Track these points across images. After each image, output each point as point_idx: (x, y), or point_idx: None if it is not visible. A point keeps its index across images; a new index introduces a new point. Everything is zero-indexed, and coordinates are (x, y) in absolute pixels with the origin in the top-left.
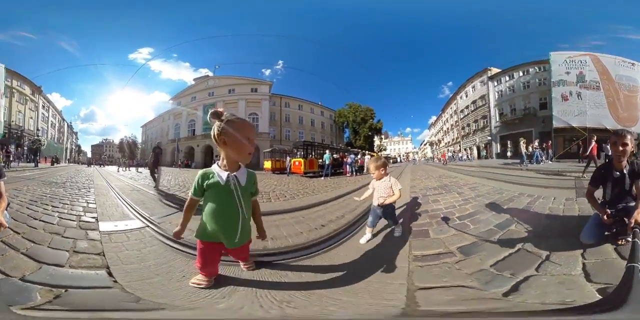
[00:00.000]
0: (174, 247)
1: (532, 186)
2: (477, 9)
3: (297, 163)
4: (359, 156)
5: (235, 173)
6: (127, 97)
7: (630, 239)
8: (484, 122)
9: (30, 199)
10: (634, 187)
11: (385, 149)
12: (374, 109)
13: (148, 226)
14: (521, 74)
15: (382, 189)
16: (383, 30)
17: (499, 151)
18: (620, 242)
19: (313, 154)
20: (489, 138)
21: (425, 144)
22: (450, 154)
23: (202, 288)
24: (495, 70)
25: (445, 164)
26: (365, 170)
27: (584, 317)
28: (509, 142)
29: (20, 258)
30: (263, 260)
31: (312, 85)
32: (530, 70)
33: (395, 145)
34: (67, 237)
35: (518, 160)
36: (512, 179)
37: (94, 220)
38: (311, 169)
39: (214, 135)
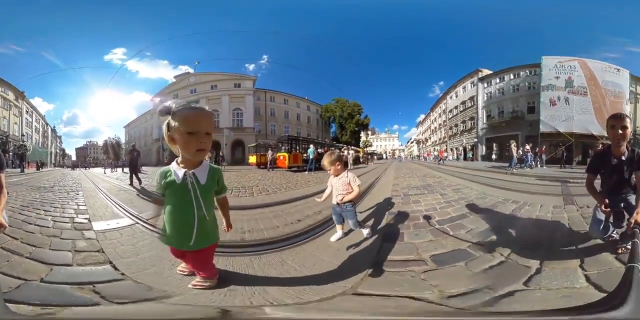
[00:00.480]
0: None
1: (519, 191)
2: (474, 8)
3: (281, 157)
4: (344, 152)
5: (193, 170)
6: (108, 99)
7: (626, 248)
8: (471, 124)
9: (22, 204)
10: (633, 177)
11: (370, 145)
12: (362, 105)
13: (137, 223)
14: (512, 76)
15: (340, 186)
16: (375, 26)
17: (484, 153)
18: (620, 251)
19: (297, 148)
20: (475, 140)
21: (412, 142)
22: (436, 153)
23: (205, 289)
24: (486, 72)
25: (440, 162)
26: (349, 166)
27: (583, 317)
28: (494, 144)
29: (27, 262)
30: (236, 252)
31: (298, 79)
32: (521, 73)
33: (381, 142)
34: (65, 239)
35: (507, 164)
36: (498, 183)
37: (86, 221)
38: (295, 163)
39: (164, 132)
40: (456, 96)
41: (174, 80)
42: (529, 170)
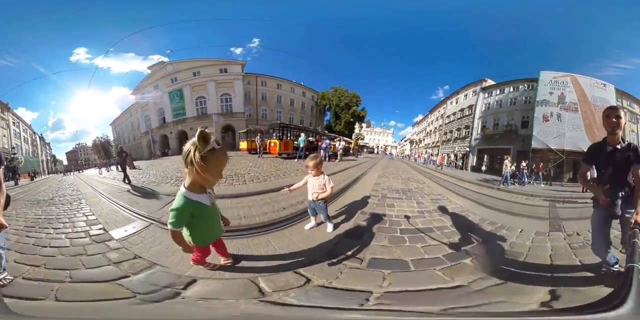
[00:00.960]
0: None
1: (498, 211)
2: (492, 15)
3: (272, 144)
4: (336, 142)
5: (208, 189)
6: (88, 99)
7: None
8: (466, 132)
9: (26, 225)
10: (630, 175)
11: (362, 138)
12: (361, 97)
13: (152, 223)
14: (512, 89)
15: (316, 185)
16: (384, 20)
17: (474, 164)
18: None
19: (289, 135)
20: (467, 149)
21: (405, 141)
22: (434, 158)
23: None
24: (490, 82)
25: (440, 166)
26: (337, 159)
27: (584, 317)
28: (485, 156)
29: (77, 287)
30: (237, 235)
31: (293, 65)
32: (520, 87)
33: (375, 136)
34: (93, 254)
35: (500, 178)
36: (482, 198)
37: (102, 231)
38: (286, 150)
39: (190, 156)
40: (456, 102)
41: (149, 71)
42: (521, 187)
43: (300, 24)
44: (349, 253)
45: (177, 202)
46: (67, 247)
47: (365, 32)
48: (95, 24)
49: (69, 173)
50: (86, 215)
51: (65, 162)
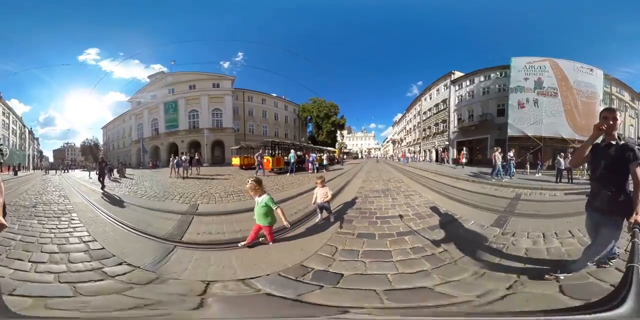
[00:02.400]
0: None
1: (461, 203)
2: (457, 9)
3: (265, 160)
4: (322, 154)
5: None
6: (84, 100)
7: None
8: (443, 126)
9: (8, 256)
10: (625, 176)
11: (346, 147)
12: (338, 104)
13: (177, 246)
14: (482, 78)
15: (322, 193)
16: (348, 25)
17: (455, 157)
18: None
19: (279, 152)
20: (447, 143)
21: (388, 142)
22: (410, 154)
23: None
24: (459, 74)
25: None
26: (324, 170)
27: (584, 317)
28: (464, 148)
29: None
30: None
31: (272, 79)
32: (492, 75)
33: (357, 141)
34: (125, 282)
35: (490, 170)
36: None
37: (112, 254)
38: (278, 166)
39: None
40: (430, 98)
41: (148, 80)
42: (509, 179)
43: (274, 35)
44: (349, 231)
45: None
46: (97, 281)
47: (331, 41)
48: (112, 25)
49: (53, 172)
50: (84, 241)
51: (51, 159)
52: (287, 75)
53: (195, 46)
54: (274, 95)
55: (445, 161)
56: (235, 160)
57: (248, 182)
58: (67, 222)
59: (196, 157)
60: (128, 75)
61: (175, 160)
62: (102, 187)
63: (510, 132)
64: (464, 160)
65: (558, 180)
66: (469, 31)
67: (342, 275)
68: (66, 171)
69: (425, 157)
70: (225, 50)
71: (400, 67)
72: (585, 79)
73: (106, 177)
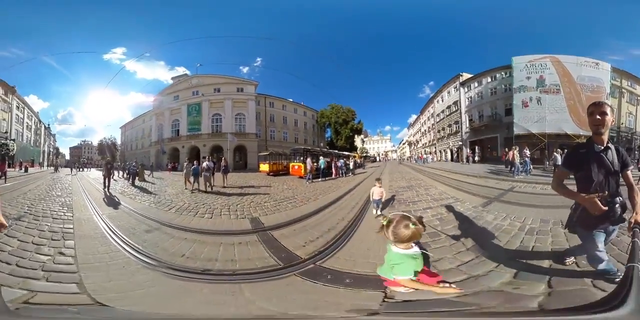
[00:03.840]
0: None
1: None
2: (463, 9)
3: (296, 167)
4: (349, 160)
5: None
6: (105, 98)
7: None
8: (456, 127)
9: None
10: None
11: (367, 152)
12: (355, 109)
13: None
14: (489, 80)
15: (377, 192)
16: (357, 27)
17: (468, 156)
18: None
19: (310, 158)
20: (460, 143)
21: (404, 143)
22: (426, 156)
23: None
24: (466, 76)
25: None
26: (350, 173)
27: (584, 317)
28: (476, 147)
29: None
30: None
31: (291, 84)
32: (497, 75)
33: (374, 144)
34: None
35: (508, 167)
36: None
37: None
38: (312, 172)
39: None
40: (442, 101)
41: (171, 81)
42: (527, 176)
43: (289, 41)
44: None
45: None
46: None
47: (340, 40)
48: (137, 28)
49: (68, 170)
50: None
51: (67, 157)
52: (303, 78)
53: (218, 49)
54: (291, 100)
55: (463, 160)
56: (264, 167)
57: (410, 225)
58: (51, 258)
59: (222, 164)
60: (151, 76)
61: (192, 167)
62: (107, 188)
63: (516, 131)
64: (477, 158)
65: None
66: (473, 31)
67: None
68: (81, 169)
69: (440, 157)
70: (246, 53)
71: (409, 68)
72: (590, 73)
73: (127, 181)
